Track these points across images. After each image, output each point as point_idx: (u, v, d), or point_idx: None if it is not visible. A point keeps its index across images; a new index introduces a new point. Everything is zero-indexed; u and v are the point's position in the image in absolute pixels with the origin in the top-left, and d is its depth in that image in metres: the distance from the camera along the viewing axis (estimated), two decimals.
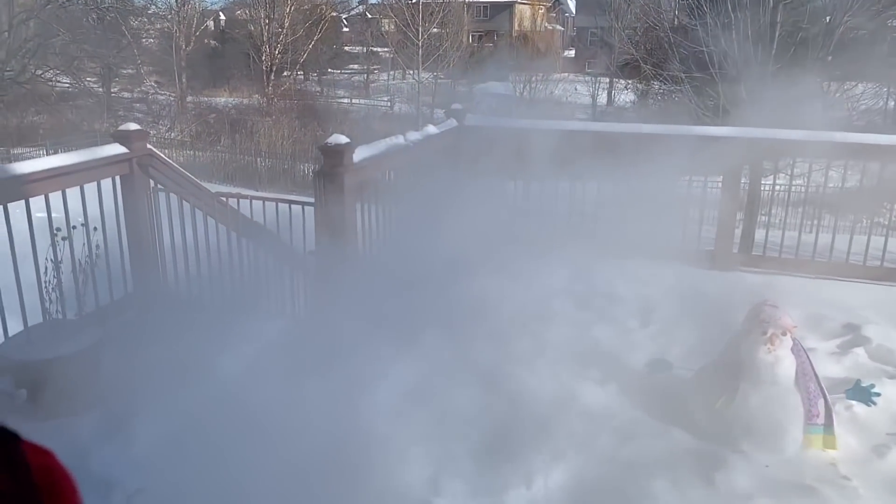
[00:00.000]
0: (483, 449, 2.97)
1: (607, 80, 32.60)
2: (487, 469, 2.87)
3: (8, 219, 3.44)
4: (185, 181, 4.59)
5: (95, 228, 4.09)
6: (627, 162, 4.88)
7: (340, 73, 41.27)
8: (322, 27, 34.70)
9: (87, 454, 2.95)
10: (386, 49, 36.24)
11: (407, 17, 30.49)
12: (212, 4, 38.03)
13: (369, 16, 41.28)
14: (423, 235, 4.47)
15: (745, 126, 5.42)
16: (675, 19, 18.14)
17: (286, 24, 32.79)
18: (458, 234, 4.14)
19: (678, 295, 4.31)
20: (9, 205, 3.46)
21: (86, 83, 25.51)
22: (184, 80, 30.83)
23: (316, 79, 38.77)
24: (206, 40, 36.24)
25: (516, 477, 2.84)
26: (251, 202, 4.62)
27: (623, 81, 29.34)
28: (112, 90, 28.14)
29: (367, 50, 39.98)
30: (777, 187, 8.04)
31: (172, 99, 30.58)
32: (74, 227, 3.87)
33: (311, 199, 4.24)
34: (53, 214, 3.74)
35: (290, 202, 4.52)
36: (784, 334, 3.10)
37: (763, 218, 6.67)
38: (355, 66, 41.92)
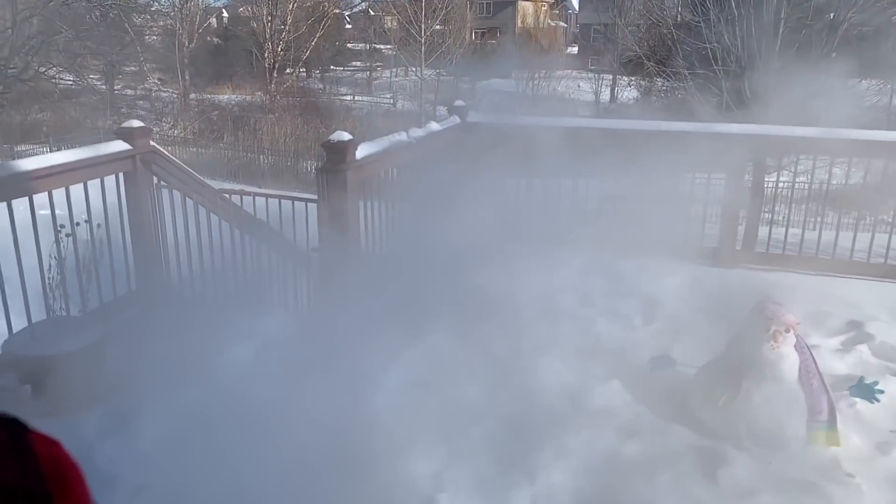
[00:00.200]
0: (486, 445, 2.97)
1: (610, 76, 32.54)
2: (490, 465, 2.88)
3: (12, 215, 3.44)
4: (188, 178, 4.59)
5: (99, 225, 4.09)
6: (630, 159, 4.87)
7: (343, 70, 41.24)
8: (325, 24, 34.69)
9: (91, 450, 2.96)
10: (388, 46, 36.19)
11: (410, 13, 30.44)
12: (215, 2, 37.96)
13: (372, 13, 41.25)
14: (427, 232, 4.47)
15: (748, 122, 5.41)
16: (679, 16, 18.09)
17: (289, 21, 32.79)
18: (460, 231, 4.14)
19: (681, 292, 4.30)
20: (12, 202, 3.47)
21: (89, 80, 25.50)
22: (187, 77, 30.84)
23: (318, 76, 38.76)
24: (208, 37, 36.25)
25: (519, 473, 2.85)
26: (254, 199, 4.62)
27: (626, 78, 29.28)
28: (115, 87, 28.12)
29: (369, 47, 39.95)
30: (780, 184, 8.03)
31: (175, 96, 30.59)
32: (78, 224, 3.88)
33: (314, 196, 4.24)
34: (57, 211, 3.75)
35: (294, 199, 4.53)
36: (787, 331, 3.10)
37: (766, 215, 6.65)
38: (358, 64, 41.87)
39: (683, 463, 2.95)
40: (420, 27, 29.99)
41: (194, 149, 21.68)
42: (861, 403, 3.27)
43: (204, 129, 25.93)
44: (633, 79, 27.21)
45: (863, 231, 5.25)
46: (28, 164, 3.62)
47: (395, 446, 2.88)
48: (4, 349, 3.46)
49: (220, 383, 3.18)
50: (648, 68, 18.16)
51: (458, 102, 5.91)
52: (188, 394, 3.14)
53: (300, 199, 4.52)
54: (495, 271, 4.20)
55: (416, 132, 5.00)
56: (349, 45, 42.67)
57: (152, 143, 4.47)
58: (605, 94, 32.55)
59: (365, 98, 35.02)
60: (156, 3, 30.74)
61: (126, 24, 26.01)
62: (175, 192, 4.50)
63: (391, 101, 33.53)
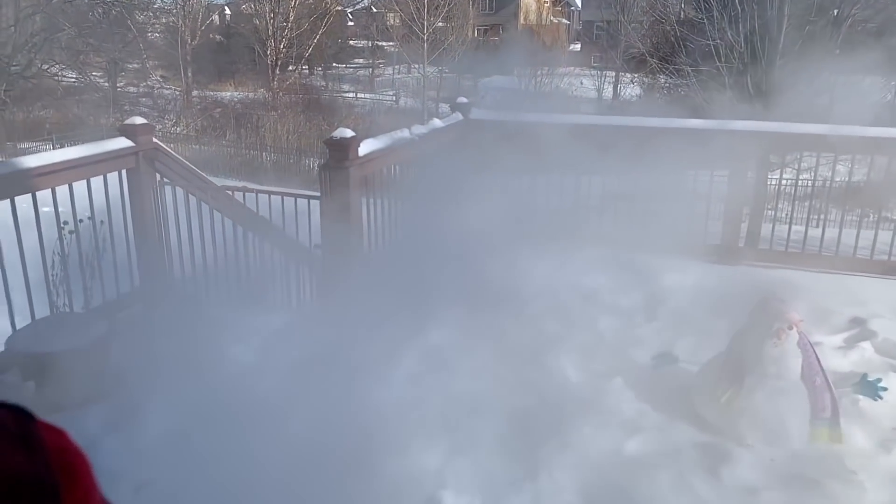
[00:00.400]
0: (488, 441, 2.97)
1: (613, 73, 32.49)
2: (492, 462, 2.88)
3: (15, 212, 3.45)
4: (190, 175, 4.59)
5: (102, 222, 4.10)
6: (633, 155, 4.86)
7: (345, 67, 41.21)
8: (327, 21, 34.66)
9: (94, 446, 2.96)
10: (391, 43, 36.16)
11: (412, 10, 30.39)
12: None
13: (374, 10, 41.18)
14: (429, 229, 4.47)
15: (752, 119, 5.39)
16: (682, 13, 18.06)
17: (291, 19, 32.77)
18: (462, 228, 4.14)
19: (684, 289, 4.30)
20: (15, 198, 3.47)
21: (91, 78, 25.54)
22: (189, 74, 30.85)
23: (321, 73, 38.76)
24: (211, 35, 36.24)
25: (521, 469, 2.85)
26: (257, 196, 4.63)
27: (629, 75, 29.24)
28: (118, 85, 28.17)
29: (372, 44, 39.91)
30: (784, 181, 8.02)
31: (178, 93, 30.61)
32: (81, 221, 3.89)
33: (317, 193, 4.25)
34: (59, 209, 3.75)
35: (296, 196, 4.53)
36: (790, 328, 3.09)
37: (770, 212, 6.64)
38: (360, 61, 41.84)
39: (686, 460, 2.95)
40: (422, 24, 29.94)
41: (197, 146, 21.71)
42: (864, 401, 3.26)
43: (206, 127, 25.96)
44: (635, 76, 27.19)
45: (866, 228, 5.25)
46: (31, 161, 3.63)
47: (397, 441, 2.88)
48: (8, 346, 3.47)
49: (222, 380, 3.19)
50: (651, 65, 18.13)
51: (461, 99, 5.90)
52: (191, 390, 3.14)
53: (303, 196, 4.53)
54: (496, 268, 4.20)
55: (419, 129, 4.99)
56: (351, 43, 42.63)
57: (155, 140, 4.47)
58: (608, 92, 32.50)
59: (367, 95, 35.01)
60: (158, 1, 30.79)
61: (128, 22, 26.02)
62: (178, 189, 4.51)
63: (394, 98, 33.51)
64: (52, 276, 3.75)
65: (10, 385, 3.38)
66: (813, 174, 5.80)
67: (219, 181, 5.11)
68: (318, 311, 4.31)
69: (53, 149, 11.40)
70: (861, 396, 3.28)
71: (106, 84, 26.99)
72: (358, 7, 43.51)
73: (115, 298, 4.30)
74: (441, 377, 3.31)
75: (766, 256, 5.30)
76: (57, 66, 22.32)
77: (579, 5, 46.16)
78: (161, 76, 32.56)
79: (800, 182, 7.11)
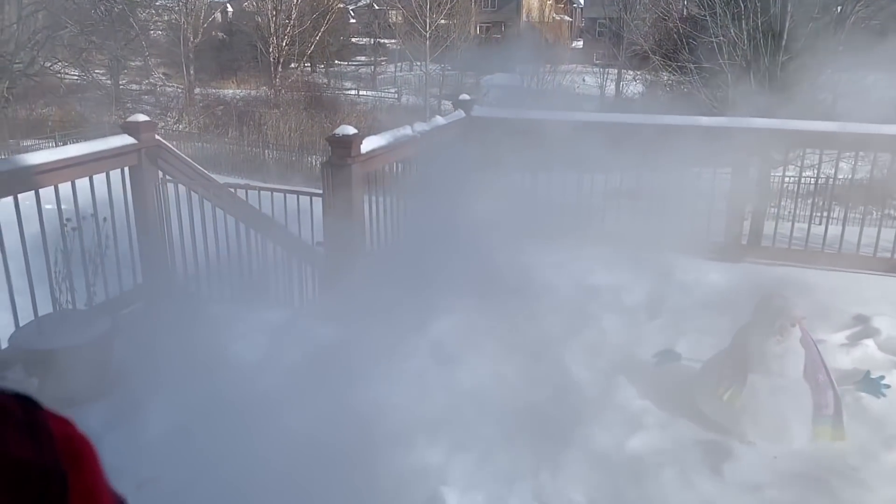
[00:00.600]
0: (491, 437, 2.98)
1: (616, 71, 32.44)
2: (494, 458, 2.88)
3: (18, 210, 3.46)
4: (193, 172, 4.60)
5: (105, 219, 4.10)
6: (636, 153, 4.86)
7: (347, 64, 41.22)
8: (329, 19, 34.65)
9: (97, 442, 2.93)
10: (393, 40, 36.13)
11: (414, 7, 30.37)
12: None
13: (376, 7, 41.18)
14: (431, 226, 4.47)
15: (755, 116, 5.38)
16: (685, 10, 18.03)
17: (293, 16, 32.77)
18: (464, 225, 4.14)
19: (687, 286, 4.30)
20: (18, 196, 3.48)
21: (94, 75, 25.59)
22: (191, 71, 30.86)
23: (323, 70, 38.75)
24: (213, 32, 36.24)
25: (523, 466, 2.85)
26: (259, 193, 4.63)
27: (632, 72, 29.20)
28: (120, 82, 28.21)
29: (374, 41, 39.90)
30: (787, 179, 7.99)
31: (180, 91, 30.62)
32: (84, 218, 3.89)
33: (319, 191, 4.24)
34: (62, 206, 3.76)
35: (298, 193, 4.53)
36: (793, 326, 3.09)
37: (772, 209, 6.63)
38: (362, 58, 41.84)
39: (689, 457, 2.95)
40: (425, 21, 29.92)
41: (199, 143, 21.73)
42: (867, 398, 3.26)
43: (209, 124, 25.98)
44: (638, 73, 27.15)
45: (869, 225, 5.23)
46: (34, 158, 3.63)
47: (400, 437, 2.88)
48: (11, 342, 3.48)
49: (225, 376, 3.19)
50: (654, 62, 18.11)
51: (463, 96, 5.90)
52: (194, 387, 3.15)
53: (305, 194, 4.52)
54: (498, 265, 4.20)
55: (421, 126, 4.99)
56: (354, 40, 42.62)
57: (157, 137, 4.47)
58: (611, 89, 32.45)
59: (369, 93, 35.01)
60: None
61: (131, 19, 26.06)
62: (180, 186, 4.51)
63: (396, 95, 33.50)
64: (56, 272, 3.75)
65: (13, 381, 3.38)
66: (816, 171, 5.78)
67: (221, 178, 5.11)
68: (321, 308, 4.31)
69: (56, 146, 11.43)
70: (864, 394, 3.28)
71: (108, 82, 27.05)
72: (360, 4, 43.52)
73: (118, 295, 4.31)
74: (444, 374, 3.31)
75: (768, 254, 5.29)
76: (59, 63, 22.37)
77: (582, 2, 46.09)
78: (163, 74, 32.59)
79: (803, 179, 7.10)
